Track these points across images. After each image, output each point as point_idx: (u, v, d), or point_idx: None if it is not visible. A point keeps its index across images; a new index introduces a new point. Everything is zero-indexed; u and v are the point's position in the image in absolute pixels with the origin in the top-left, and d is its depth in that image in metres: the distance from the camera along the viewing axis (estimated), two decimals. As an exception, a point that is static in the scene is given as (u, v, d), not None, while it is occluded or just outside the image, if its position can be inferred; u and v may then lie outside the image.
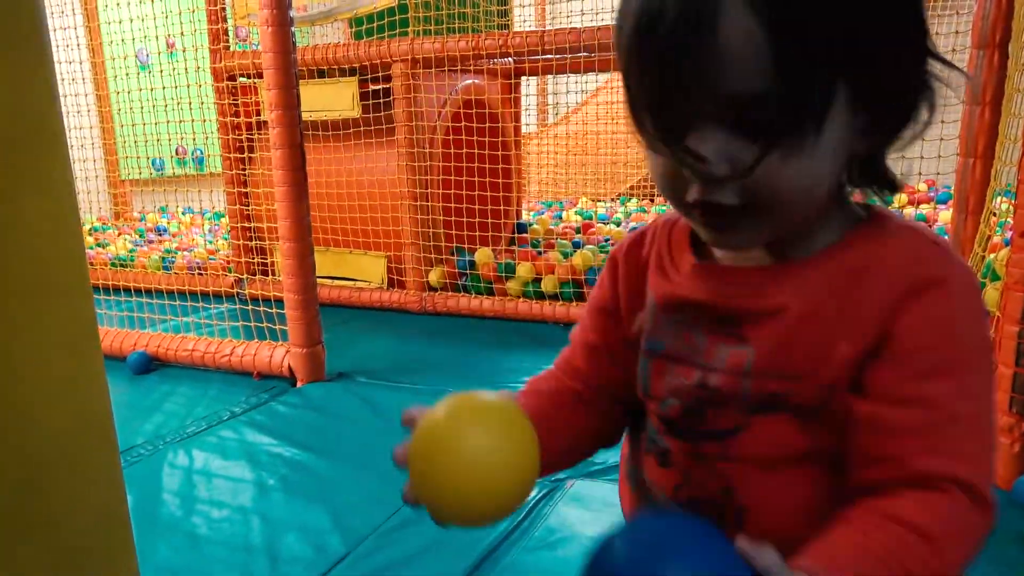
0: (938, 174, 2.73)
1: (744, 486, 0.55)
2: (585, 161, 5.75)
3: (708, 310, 0.56)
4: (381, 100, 3.05)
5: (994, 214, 1.97)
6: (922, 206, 4.59)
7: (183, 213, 5.75)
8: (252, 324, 2.55)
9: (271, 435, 1.96)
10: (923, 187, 4.74)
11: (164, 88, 3.36)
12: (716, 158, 0.47)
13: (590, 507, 1.55)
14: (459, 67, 3.05)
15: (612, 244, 3.62)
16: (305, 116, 3.17)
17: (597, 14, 2.95)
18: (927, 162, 2.63)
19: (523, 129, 5.70)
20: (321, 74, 3.22)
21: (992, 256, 1.82)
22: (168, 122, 3.47)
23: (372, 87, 3.07)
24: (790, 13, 0.43)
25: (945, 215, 3.93)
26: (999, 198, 2.01)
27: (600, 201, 5.91)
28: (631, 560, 0.45)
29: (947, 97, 0.52)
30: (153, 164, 5.77)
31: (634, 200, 5.62)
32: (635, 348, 0.62)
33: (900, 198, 4.68)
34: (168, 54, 5.88)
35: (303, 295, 2.30)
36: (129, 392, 2.35)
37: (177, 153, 5.78)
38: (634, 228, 3.62)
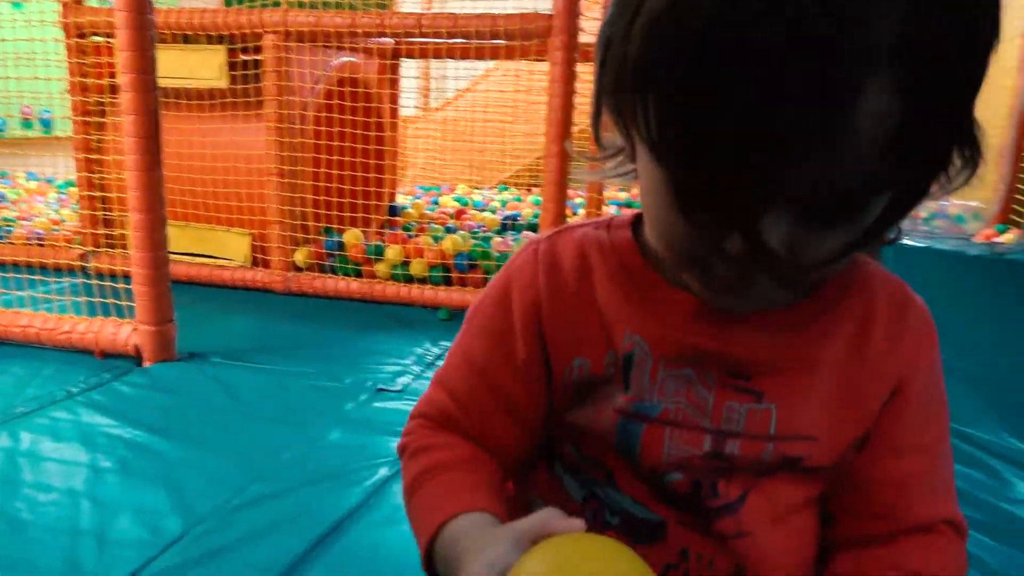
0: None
1: (755, 554, 0.48)
2: (466, 148, 5.77)
3: (717, 360, 0.47)
4: (250, 72, 2.93)
5: None
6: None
7: (27, 179, 5.29)
8: (97, 300, 2.39)
9: (111, 416, 1.86)
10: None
11: (5, 41, 3.08)
12: (781, 246, 0.37)
13: (439, 485, 1.58)
14: (335, 43, 2.99)
15: (484, 231, 3.67)
16: (166, 83, 3.01)
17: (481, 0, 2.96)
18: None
19: (404, 112, 5.65)
20: (186, 39, 3.05)
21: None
22: (10, 79, 3.18)
23: (242, 57, 2.95)
24: (939, 94, 0.33)
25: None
26: None
27: (478, 189, 5.96)
28: None
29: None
30: (-7, 123, 5.27)
31: (511, 189, 5.71)
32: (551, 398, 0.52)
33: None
34: (13, 4, 5.39)
35: (152, 270, 2.19)
36: (-50, 369, 2.16)
37: (23, 113, 5.30)
38: (509, 216, 3.69)
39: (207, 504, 1.47)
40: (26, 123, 5.36)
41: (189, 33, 2.98)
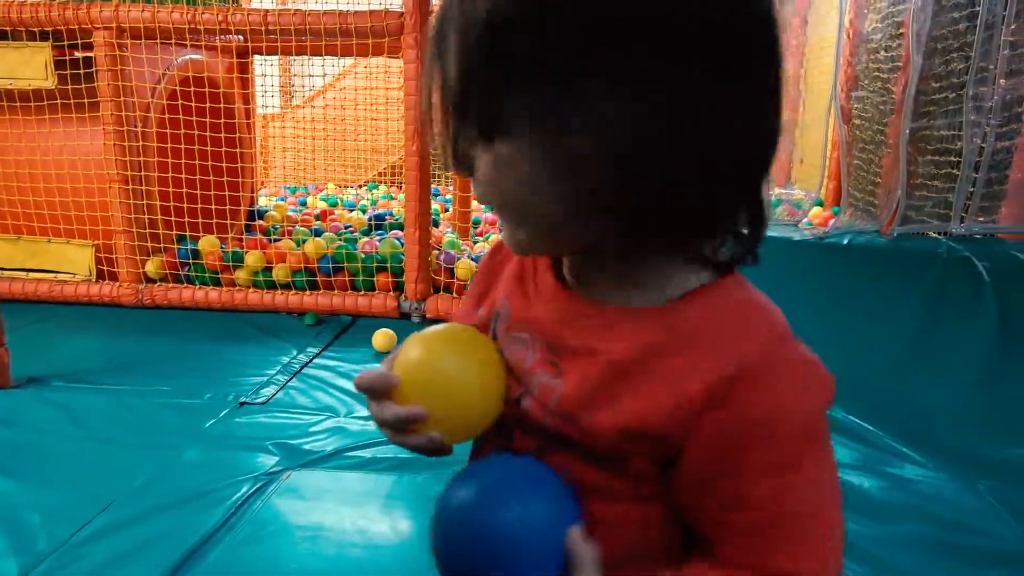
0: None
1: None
2: (332, 145, 5.63)
3: (545, 334, 0.54)
4: (82, 71, 2.72)
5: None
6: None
7: None
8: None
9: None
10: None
11: None
12: (460, 156, 0.48)
13: (306, 497, 1.55)
14: (175, 40, 2.82)
15: (352, 231, 3.60)
16: (-16, 84, 2.76)
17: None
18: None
19: (264, 110, 5.44)
20: (4, 36, 2.79)
21: None
22: None
23: (70, 55, 2.73)
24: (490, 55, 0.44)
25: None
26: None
27: (348, 187, 5.84)
28: (469, 499, 0.50)
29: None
30: None
31: (382, 187, 5.63)
32: None
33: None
34: None
35: (-23, 291, 2.00)
36: None
37: None
38: (380, 215, 3.63)
39: (49, 542, 1.37)
40: None
41: (8, 29, 2.73)
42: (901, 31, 2.27)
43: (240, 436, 1.81)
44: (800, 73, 2.91)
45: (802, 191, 3.06)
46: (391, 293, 2.79)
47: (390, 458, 1.70)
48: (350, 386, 2.08)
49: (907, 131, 2.14)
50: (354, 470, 1.66)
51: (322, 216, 3.86)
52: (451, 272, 2.80)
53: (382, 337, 2.45)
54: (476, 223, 4.34)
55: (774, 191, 3.21)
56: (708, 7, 0.40)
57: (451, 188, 4.44)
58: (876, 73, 2.43)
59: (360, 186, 5.88)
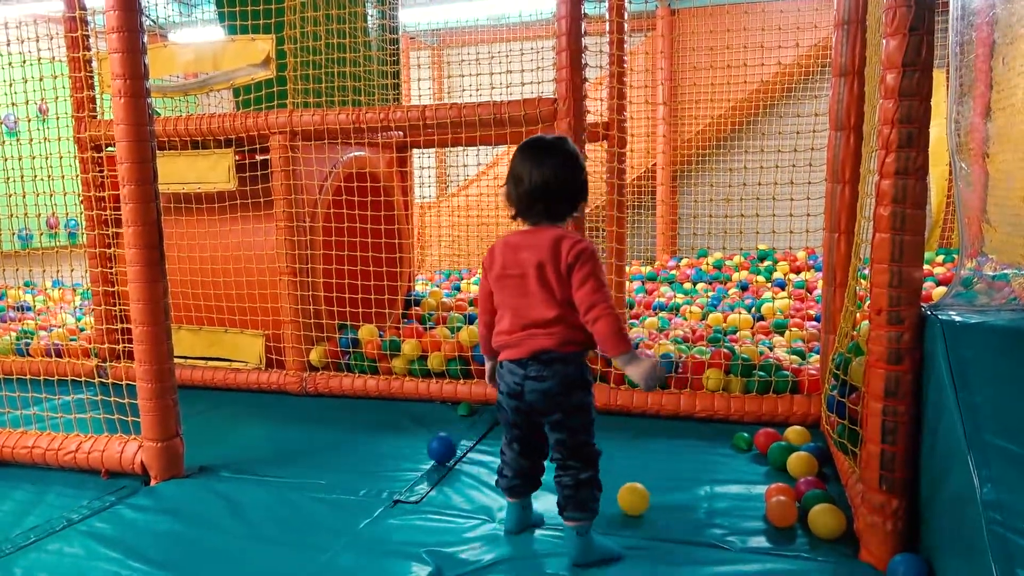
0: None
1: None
2: (487, 232, 5.75)
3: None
4: (259, 173, 2.92)
5: (858, 290, 2.02)
6: (802, 273, 4.79)
7: (52, 287, 5.35)
8: (115, 417, 2.28)
9: (111, 548, 1.74)
10: (802, 255, 4.97)
11: (34, 157, 3.12)
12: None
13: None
14: (341, 139, 2.98)
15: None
16: (178, 188, 3.03)
17: (493, 88, 2.95)
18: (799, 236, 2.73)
19: (423, 199, 5.68)
20: (196, 145, 3.07)
21: (857, 330, 1.85)
22: (38, 194, 3.20)
23: (249, 159, 2.95)
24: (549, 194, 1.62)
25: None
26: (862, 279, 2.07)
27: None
28: None
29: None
30: (19, 236, 5.37)
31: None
32: None
33: (782, 266, 4.86)
34: (40, 120, 5.58)
35: (157, 383, 2.10)
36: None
37: (48, 225, 5.40)
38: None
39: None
40: (53, 233, 5.45)
41: (198, 139, 3.00)
42: None
43: (393, 541, 1.72)
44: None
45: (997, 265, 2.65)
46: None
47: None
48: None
49: None
50: (511, 586, 1.52)
51: (475, 302, 3.87)
52: (608, 361, 2.65)
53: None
54: (630, 305, 4.19)
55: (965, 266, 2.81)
56: (578, 184, 1.64)
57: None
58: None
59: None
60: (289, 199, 2.88)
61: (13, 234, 5.25)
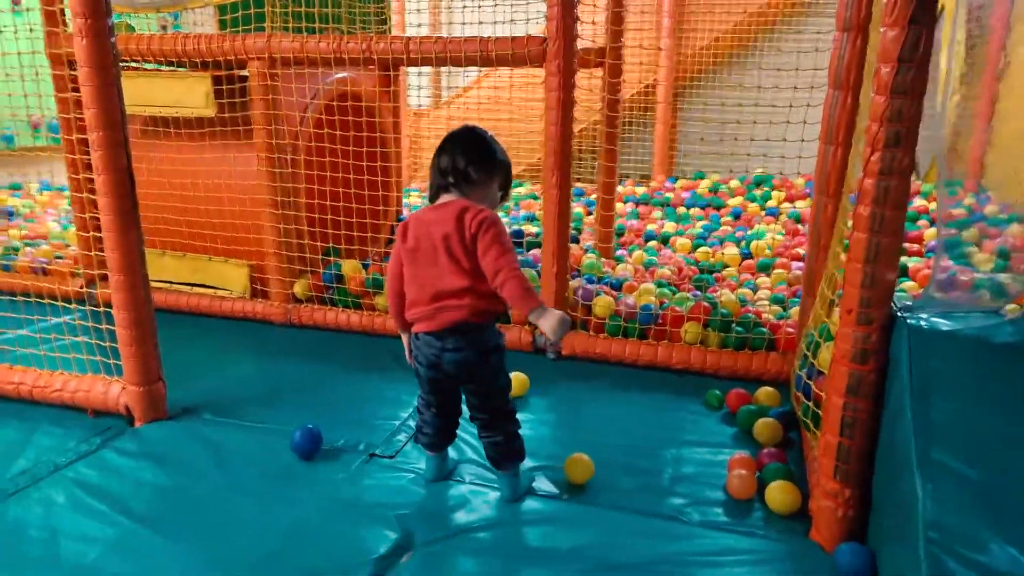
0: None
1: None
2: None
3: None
4: (237, 99, 2.82)
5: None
6: (797, 203, 4.73)
7: (39, 191, 5.28)
8: (98, 359, 2.31)
9: (97, 498, 1.80)
10: (800, 182, 4.88)
11: (7, 55, 2.97)
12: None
13: (423, 588, 1.50)
14: (322, 66, 2.85)
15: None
16: (156, 112, 2.93)
17: (495, 23, 2.78)
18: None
19: (419, 106, 5.51)
20: (173, 67, 2.94)
21: (829, 319, 1.85)
22: (12, 95, 3.05)
23: (228, 85, 2.83)
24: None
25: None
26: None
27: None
28: None
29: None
30: (3, 137, 5.25)
31: (527, 184, 5.55)
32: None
33: (778, 195, 4.79)
34: (14, 13, 5.31)
35: (137, 329, 2.11)
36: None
37: (31, 124, 5.25)
38: (518, 233, 3.54)
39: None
40: (35, 134, 5.31)
41: (174, 61, 2.87)
42: None
43: (364, 502, 1.79)
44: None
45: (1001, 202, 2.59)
46: (526, 327, 2.71)
47: (519, 546, 1.62)
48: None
49: None
50: (473, 555, 1.60)
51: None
52: (588, 309, 2.67)
53: (515, 381, 2.36)
54: (620, 232, 4.16)
55: (965, 200, 2.75)
56: (502, 163, 1.74)
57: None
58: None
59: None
60: (269, 129, 2.79)
61: (-4, 133, 5.14)
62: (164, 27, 5.28)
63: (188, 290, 3.13)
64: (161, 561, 1.58)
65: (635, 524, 1.71)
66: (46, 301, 2.45)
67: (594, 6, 2.95)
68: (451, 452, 1.96)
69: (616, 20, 2.92)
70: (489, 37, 2.47)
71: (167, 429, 2.16)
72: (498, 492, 1.83)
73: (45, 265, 3.39)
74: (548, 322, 1.57)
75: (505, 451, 1.77)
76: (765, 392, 2.27)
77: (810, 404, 1.78)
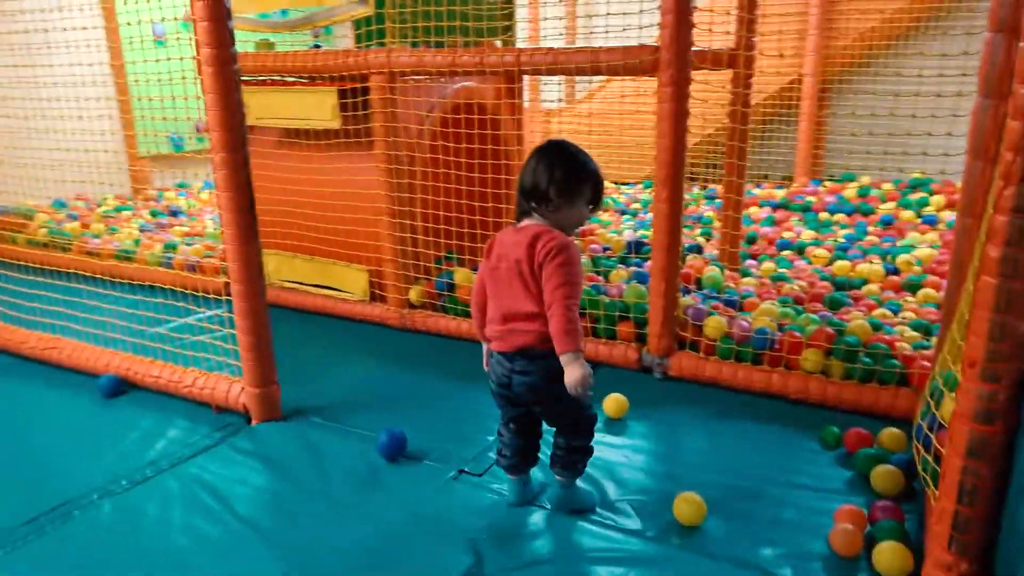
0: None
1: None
2: (610, 141, 5.51)
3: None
4: (360, 112, 2.93)
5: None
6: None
7: (201, 190, 5.79)
8: (212, 357, 2.50)
9: (210, 496, 1.94)
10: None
11: (181, 59, 3.22)
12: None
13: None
14: (443, 74, 2.90)
15: (609, 254, 3.47)
16: (289, 124, 3.11)
17: (625, 29, 2.68)
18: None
19: (547, 105, 5.49)
20: (303, 81, 3.11)
21: (955, 366, 1.63)
22: (186, 98, 3.32)
23: (351, 99, 2.95)
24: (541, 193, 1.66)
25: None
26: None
27: (625, 183, 5.70)
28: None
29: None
30: (172, 140, 5.80)
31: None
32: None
33: (937, 200, 4.35)
34: (184, 24, 5.82)
35: (254, 336, 2.26)
36: (96, 419, 2.38)
37: (198, 129, 5.77)
38: (639, 242, 3.44)
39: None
40: (200, 139, 5.82)
41: (304, 76, 3.03)
42: None
43: (445, 520, 1.80)
44: None
45: None
46: (633, 344, 2.62)
47: (585, 584, 1.56)
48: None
49: None
50: (546, 591, 1.56)
51: (582, 233, 3.78)
52: (699, 329, 2.54)
53: (614, 403, 2.30)
54: (752, 239, 3.94)
55: None
56: (590, 178, 1.67)
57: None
58: None
59: (636, 183, 5.70)
60: (388, 141, 2.88)
61: (167, 136, 5.69)
62: (317, 43, 5.60)
63: (314, 291, 3.31)
64: (253, 566, 1.67)
65: (719, 574, 1.60)
66: (190, 295, 2.69)
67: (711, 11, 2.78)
68: (538, 475, 1.94)
69: (747, 26, 2.73)
70: (600, 47, 2.39)
71: (278, 430, 2.30)
72: (581, 522, 1.78)
73: (197, 262, 3.71)
74: (571, 374, 1.58)
75: (563, 456, 1.80)
76: (889, 434, 2.05)
77: (929, 459, 1.59)
